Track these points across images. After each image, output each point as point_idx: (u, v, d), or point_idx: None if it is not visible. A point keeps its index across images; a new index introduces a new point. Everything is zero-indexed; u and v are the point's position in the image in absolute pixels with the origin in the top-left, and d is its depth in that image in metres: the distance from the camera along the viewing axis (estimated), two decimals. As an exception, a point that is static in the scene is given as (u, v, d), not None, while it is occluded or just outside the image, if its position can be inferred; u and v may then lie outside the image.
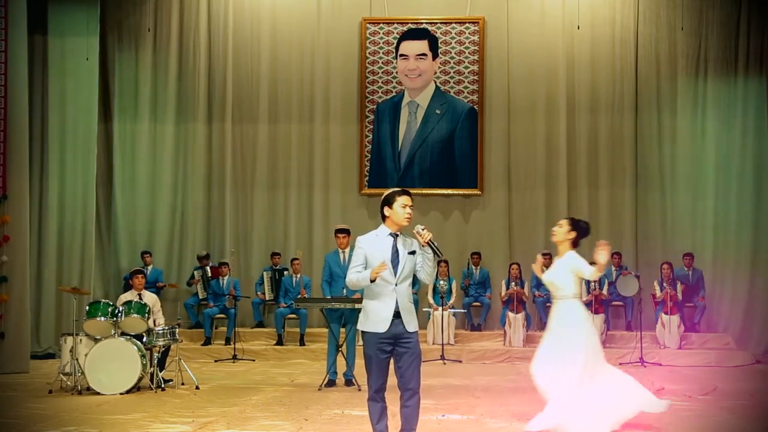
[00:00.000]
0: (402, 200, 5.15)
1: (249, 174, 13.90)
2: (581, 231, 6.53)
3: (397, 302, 5.09)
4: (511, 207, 13.76)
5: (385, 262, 5.05)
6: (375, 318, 5.10)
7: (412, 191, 5.50)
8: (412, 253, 5.14)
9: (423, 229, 5.10)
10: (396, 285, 5.10)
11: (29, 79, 11.32)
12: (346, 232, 9.54)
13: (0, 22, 10.83)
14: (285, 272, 12.92)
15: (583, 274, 6.34)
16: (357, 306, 8.98)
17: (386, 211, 5.18)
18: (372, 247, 5.15)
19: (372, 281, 5.05)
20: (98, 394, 8.37)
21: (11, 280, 10.69)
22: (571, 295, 6.33)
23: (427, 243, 5.07)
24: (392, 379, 5.17)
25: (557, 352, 6.19)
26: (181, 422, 6.98)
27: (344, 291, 9.28)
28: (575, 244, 6.51)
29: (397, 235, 5.16)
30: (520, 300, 12.41)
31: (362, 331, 5.16)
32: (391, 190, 5.25)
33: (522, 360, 11.78)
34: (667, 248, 13.35)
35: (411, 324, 5.10)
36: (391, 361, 5.15)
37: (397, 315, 5.08)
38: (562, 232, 6.47)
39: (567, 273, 6.34)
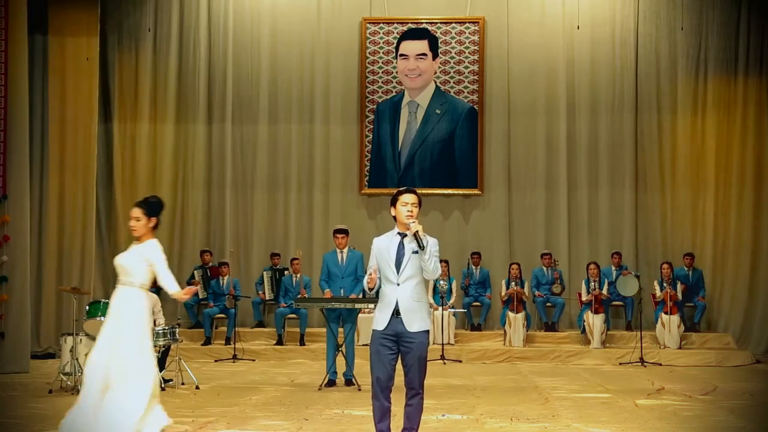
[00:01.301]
0: (403, 199, 5.19)
1: (249, 174, 13.90)
2: (158, 211, 6.02)
3: (397, 301, 5.10)
4: (511, 207, 13.76)
5: (374, 269, 5.18)
6: (378, 315, 5.18)
7: (412, 191, 5.51)
8: (418, 252, 5.15)
9: (412, 222, 5.12)
10: (398, 284, 5.12)
11: (29, 79, 11.31)
12: (345, 232, 9.56)
13: (0, 22, 10.82)
14: (285, 272, 12.92)
15: (158, 274, 5.92)
16: (357, 306, 9.01)
17: (392, 211, 5.24)
18: (381, 247, 5.22)
19: (370, 290, 5.20)
20: (98, 394, 8.35)
21: (11, 280, 10.68)
22: (138, 284, 5.86)
23: (414, 235, 5.09)
24: (398, 380, 5.18)
25: (112, 343, 5.72)
26: (181, 422, 6.98)
27: (342, 291, 9.30)
28: (156, 227, 6.02)
29: (404, 235, 5.18)
30: (520, 300, 12.41)
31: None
32: (396, 191, 5.29)
33: (522, 360, 11.82)
34: (667, 248, 13.36)
35: (413, 324, 5.10)
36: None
37: (397, 314, 5.10)
38: (142, 225, 5.91)
39: (142, 261, 5.90)
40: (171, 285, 5.97)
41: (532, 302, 12.96)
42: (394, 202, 5.23)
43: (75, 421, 5.63)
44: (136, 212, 5.93)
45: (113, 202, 13.52)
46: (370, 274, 5.18)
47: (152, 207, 5.99)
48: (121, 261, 5.96)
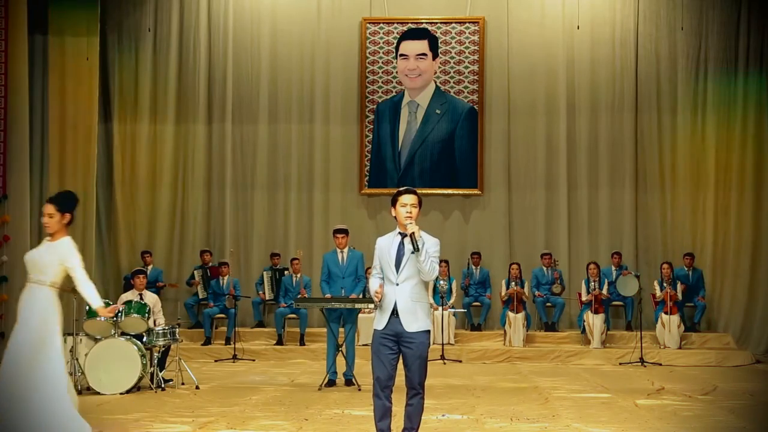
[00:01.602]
0: (402, 200, 5.19)
1: (249, 174, 13.90)
2: (71, 207, 5.79)
3: (396, 302, 5.11)
4: (511, 207, 13.76)
5: (381, 285, 5.16)
6: (378, 315, 5.20)
7: (412, 191, 5.50)
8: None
9: (409, 224, 5.12)
10: (397, 284, 5.13)
11: (29, 79, 11.32)
12: (345, 232, 9.54)
13: (0, 22, 10.82)
14: (285, 272, 12.92)
15: (77, 282, 5.71)
16: (357, 306, 9.01)
17: (393, 212, 5.25)
18: (383, 247, 5.23)
19: (376, 305, 5.21)
20: (98, 394, 8.36)
21: (11, 280, 10.71)
22: (48, 282, 5.65)
23: (410, 236, 5.08)
24: (399, 380, 5.19)
25: (24, 346, 5.51)
26: (181, 422, 6.98)
27: (342, 291, 9.30)
28: (70, 223, 5.81)
29: (405, 235, 5.19)
30: (520, 300, 12.40)
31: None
32: (396, 191, 5.28)
33: (522, 360, 11.82)
34: (667, 248, 13.36)
35: (412, 324, 5.11)
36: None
37: (396, 314, 5.11)
38: (55, 222, 5.69)
39: (55, 259, 5.67)
40: (93, 298, 5.76)
41: (532, 302, 12.96)
42: (394, 203, 5.23)
43: None
44: (49, 208, 5.73)
45: (113, 202, 13.52)
46: (377, 291, 5.14)
47: (65, 202, 5.79)
48: (32, 257, 5.74)
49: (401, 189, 5.29)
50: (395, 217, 5.24)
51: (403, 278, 5.13)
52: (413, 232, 5.06)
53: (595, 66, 13.71)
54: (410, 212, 5.15)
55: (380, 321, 5.16)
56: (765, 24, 13.22)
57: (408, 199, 5.17)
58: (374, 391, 5.16)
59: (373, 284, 5.23)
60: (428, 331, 5.18)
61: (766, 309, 12.77)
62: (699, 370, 11.05)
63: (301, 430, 6.71)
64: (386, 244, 5.23)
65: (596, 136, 13.71)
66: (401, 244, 5.18)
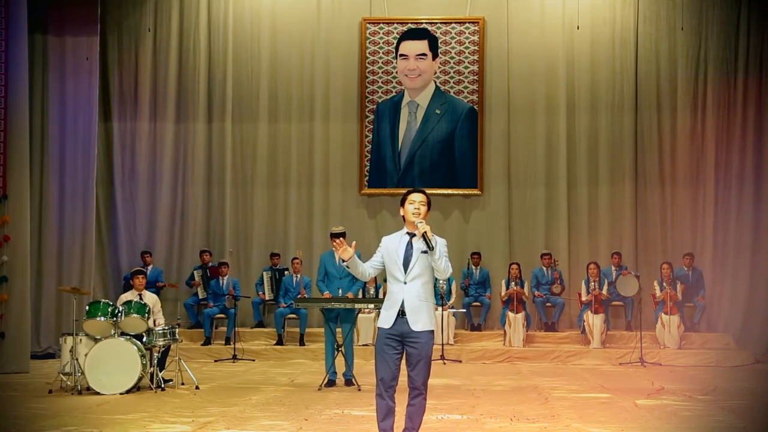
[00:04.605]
0: (410, 197, 5.27)
1: (249, 173, 13.90)
2: None
3: (403, 300, 5.13)
4: (511, 206, 13.76)
5: (354, 243, 5.42)
6: (384, 314, 5.22)
7: (412, 191, 5.53)
8: (426, 252, 5.17)
9: (420, 222, 5.17)
10: (405, 283, 5.16)
11: (29, 79, 11.31)
12: (342, 236, 9.51)
13: (0, 22, 10.82)
14: (285, 272, 12.93)
15: None
16: (357, 306, 9.01)
17: (401, 211, 5.31)
18: (389, 245, 5.28)
19: (343, 260, 5.30)
20: (98, 394, 8.36)
21: (11, 280, 10.68)
22: None
23: (422, 236, 5.13)
24: (401, 380, 5.19)
25: None
26: (181, 422, 6.98)
27: (339, 291, 9.30)
28: None
29: (413, 235, 5.23)
30: (519, 300, 12.40)
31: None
32: (406, 191, 5.36)
33: (522, 360, 11.82)
34: (667, 248, 13.36)
35: (418, 323, 5.12)
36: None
37: (403, 314, 5.12)
38: None
39: None
40: None
41: (531, 302, 12.96)
42: (403, 202, 5.30)
43: None
44: None
45: (113, 202, 13.52)
46: (349, 251, 5.25)
47: None
48: None
49: (411, 189, 5.39)
50: (403, 216, 5.28)
51: (412, 277, 5.16)
52: (425, 232, 5.10)
53: (595, 66, 13.70)
54: (418, 209, 5.21)
55: (386, 320, 5.17)
56: (765, 24, 13.21)
57: (416, 197, 5.25)
58: (377, 391, 5.16)
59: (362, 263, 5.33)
60: (433, 332, 5.20)
61: (766, 309, 12.76)
62: (699, 370, 11.04)
63: (301, 430, 6.71)
64: (393, 244, 5.27)
65: (596, 135, 13.71)
66: (409, 243, 5.21)
